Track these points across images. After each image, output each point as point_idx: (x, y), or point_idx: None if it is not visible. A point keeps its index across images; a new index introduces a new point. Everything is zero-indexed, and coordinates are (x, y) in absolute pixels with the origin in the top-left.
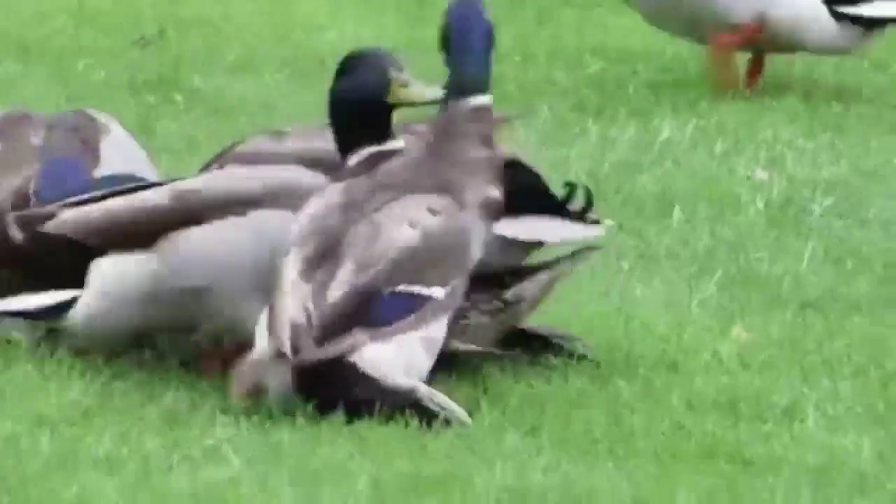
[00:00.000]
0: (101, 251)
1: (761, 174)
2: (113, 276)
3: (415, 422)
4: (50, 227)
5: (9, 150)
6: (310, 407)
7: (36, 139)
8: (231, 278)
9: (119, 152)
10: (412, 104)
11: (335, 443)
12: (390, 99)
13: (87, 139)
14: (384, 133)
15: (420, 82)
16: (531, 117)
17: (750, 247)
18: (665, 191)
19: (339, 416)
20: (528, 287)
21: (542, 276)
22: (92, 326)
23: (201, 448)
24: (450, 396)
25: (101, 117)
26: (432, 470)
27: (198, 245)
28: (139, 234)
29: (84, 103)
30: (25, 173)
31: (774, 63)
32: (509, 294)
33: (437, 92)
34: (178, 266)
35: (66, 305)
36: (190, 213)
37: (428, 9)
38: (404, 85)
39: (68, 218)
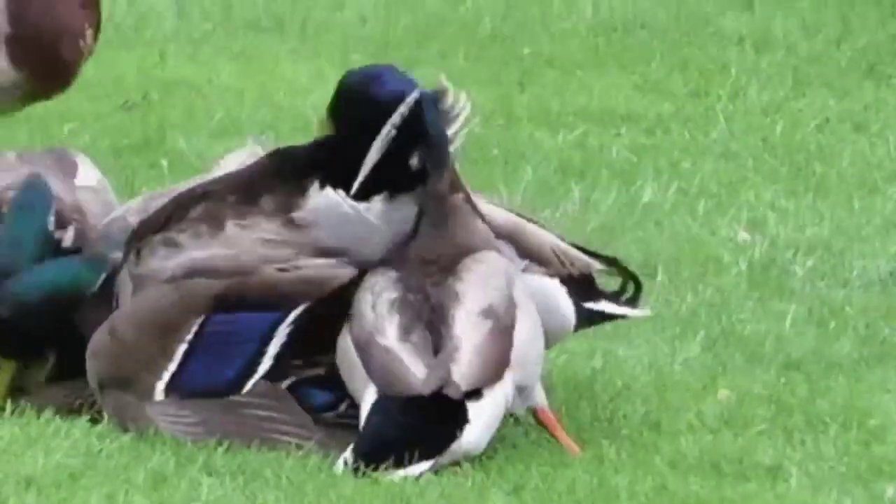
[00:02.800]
0: None
1: (744, 235)
2: None
3: (400, 481)
4: None
5: None
6: (293, 467)
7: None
8: None
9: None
10: None
11: (319, 503)
12: None
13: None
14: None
15: None
16: (517, 181)
17: (733, 307)
18: (648, 253)
19: (323, 476)
20: None
21: None
22: None
23: None
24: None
25: (74, 154)
26: None
27: None
28: None
29: None
30: None
31: (756, 125)
32: None
33: None
34: None
35: None
36: None
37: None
38: None
39: None
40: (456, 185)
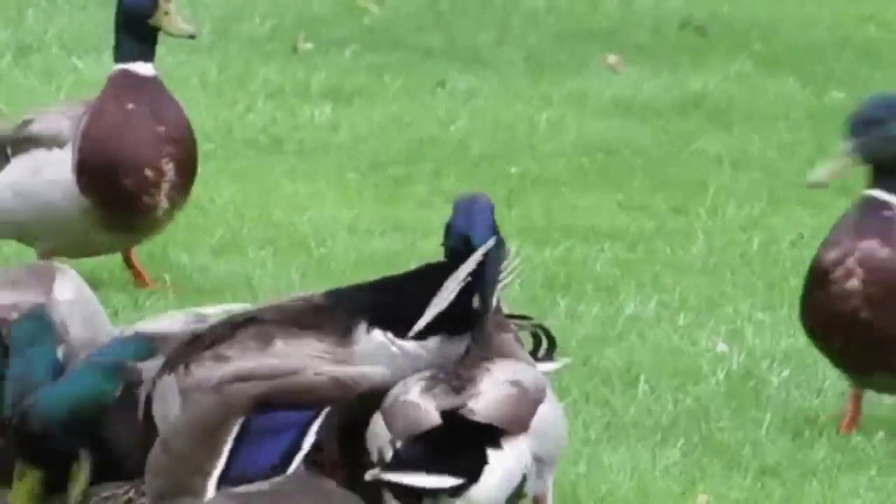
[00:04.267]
0: None
1: (722, 346)
2: None
3: None
4: None
5: None
6: None
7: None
8: None
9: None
10: (169, 34)
11: None
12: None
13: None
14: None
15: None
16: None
17: (711, 415)
18: (630, 363)
19: None
20: None
21: None
22: None
23: None
24: None
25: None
26: None
27: None
28: None
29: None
30: None
31: (734, 241)
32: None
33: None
34: None
35: None
36: None
37: (403, 189)
38: (167, 13)
39: None
40: (503, 325)
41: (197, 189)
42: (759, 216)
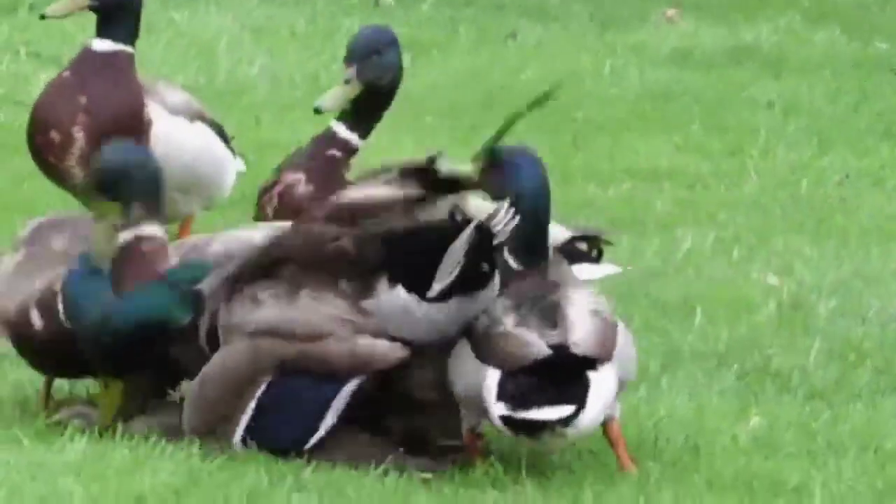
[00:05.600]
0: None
1: (773, 279)
2: None
3: (468, 496)
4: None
5: (36, 254)
6: (373, 484)
7: (60, 243)
8: None
9: None
10: None
11: None
12: None
13: None
14: None
15: None
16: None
17: (763, 343)
18: (688, 295)
19: (399, 493)
20: None
21: None
22: None
23: None
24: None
25: None
26: None
27: None
28: None
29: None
30: (50, 275)
31: (784, 181)
32: None
33: None
34: None
35: None
36: None
37: (476, 134)
38: None
39: None
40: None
41: (284, 133)
42: (808, 158)
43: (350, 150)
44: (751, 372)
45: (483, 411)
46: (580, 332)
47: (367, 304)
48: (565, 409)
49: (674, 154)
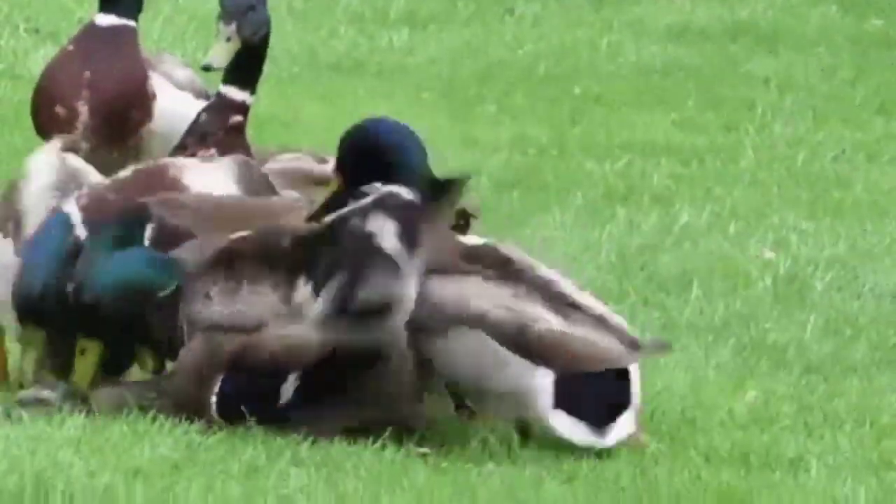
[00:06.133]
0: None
1: (769, 254)
2: None
3: (464, 470)
4: None
5: None
6: (371, 458)
7: None
8: None
9: None
10: None
11: (395, 492)
12: None
13: None
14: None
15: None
16: (568, 205)
17: (760, 318)
18: (684, 269)
19: (397, 467)
20: None
21: None
22: None
23: (277, 497)
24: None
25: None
26: None
27: None
28: None
29: None
30: None
31: (780, 156)
32: None
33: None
34: None
35: None
36: None
37: (474, 108)
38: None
39: None
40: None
41: (283, 108)
42: (804, 133)
43: (246, 111)
44: (747, 346)
45: (521, 408)
46: (623, 325)
47: (295, 298)
48: (627, 425)
49: (670, 129)
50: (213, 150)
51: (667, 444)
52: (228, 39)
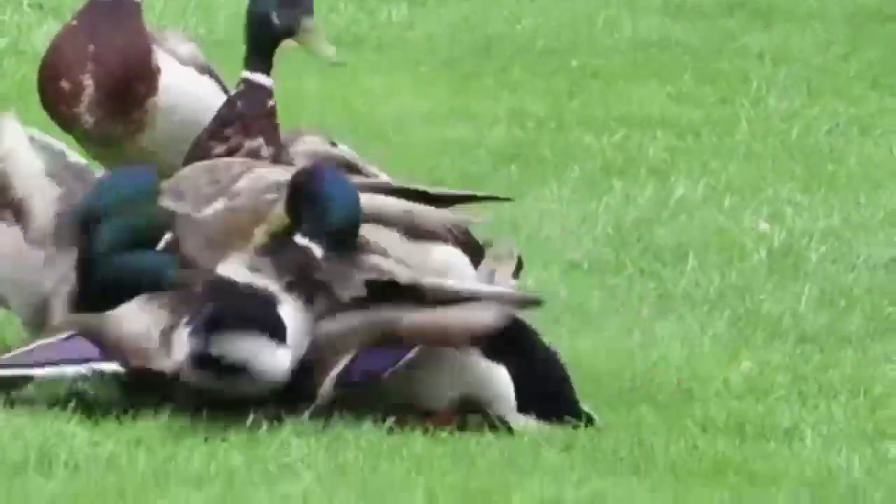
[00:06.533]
0: None
1: (764, 226)
2: None
3: (463, 439)
4: None
5: None
6: (370, 428)
7: None
8: None
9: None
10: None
11: (394, 461)
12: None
13: None
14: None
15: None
16: (566, 177)
17: (755, 289)
18: (680, 241)
19: (396, 437)
20: None
21: None
22: None
23: (278, 465)
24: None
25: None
26: (479, 483)
27: None
28: None
29: None
30: None
31: (775, 130)
32: None
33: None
34: None
35: None
36: None
37: (472, 82)
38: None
39: None
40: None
41: (284, 82)
42: (798, 107)
43: (272, 93)
44: (742, 317)
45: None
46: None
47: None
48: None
49: (666, 103)
50: (260, 139)
51: (663, 415)
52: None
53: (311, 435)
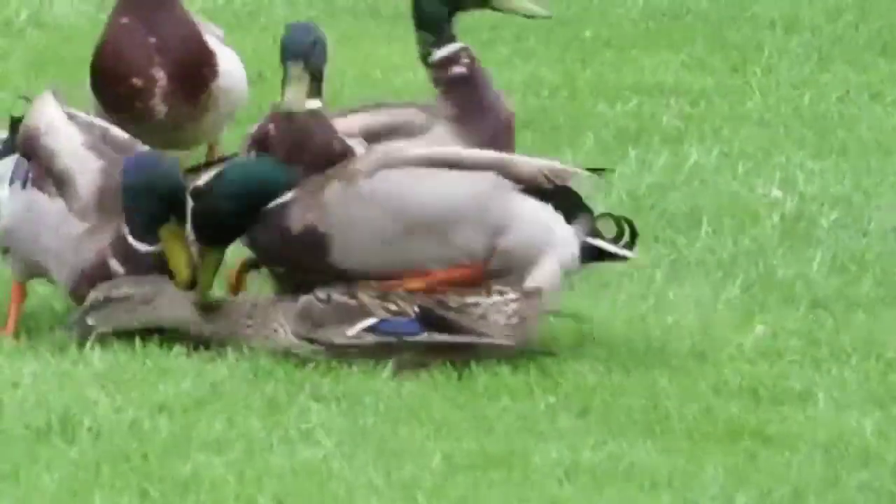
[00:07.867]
0: None
1: (776, 192)
2: None
3: (480, 405)
4: None
5: None
6: (389, 394)
7: None
8: None
9: None
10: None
11: (412, 425)
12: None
13: None
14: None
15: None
16: (580, 145)
17: (767, 254)
18: (694, 207)
19: (416, 401)
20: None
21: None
22: None
23: (298, 431)
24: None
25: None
26: (496, 448)
27: None
28: None
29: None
30: None
31: (787, 97)
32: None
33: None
34: None
35: None
36: None
37: (488, 51)
38: None
39: None
40: None
41: None
42: (809, 74)
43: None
44: (755, 282)
45: None
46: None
47: None
48: None
49: (679, 70)
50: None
51: (678, 379)
52: (299, 78)
53: (331, 400)
